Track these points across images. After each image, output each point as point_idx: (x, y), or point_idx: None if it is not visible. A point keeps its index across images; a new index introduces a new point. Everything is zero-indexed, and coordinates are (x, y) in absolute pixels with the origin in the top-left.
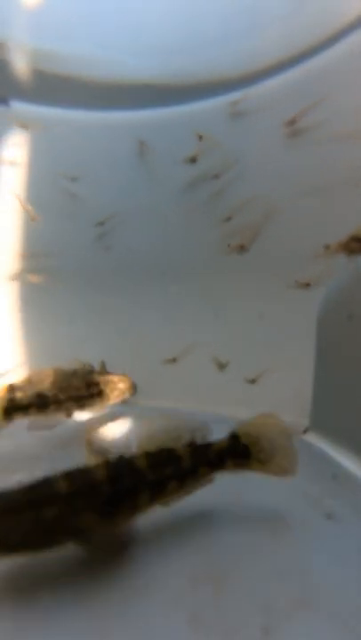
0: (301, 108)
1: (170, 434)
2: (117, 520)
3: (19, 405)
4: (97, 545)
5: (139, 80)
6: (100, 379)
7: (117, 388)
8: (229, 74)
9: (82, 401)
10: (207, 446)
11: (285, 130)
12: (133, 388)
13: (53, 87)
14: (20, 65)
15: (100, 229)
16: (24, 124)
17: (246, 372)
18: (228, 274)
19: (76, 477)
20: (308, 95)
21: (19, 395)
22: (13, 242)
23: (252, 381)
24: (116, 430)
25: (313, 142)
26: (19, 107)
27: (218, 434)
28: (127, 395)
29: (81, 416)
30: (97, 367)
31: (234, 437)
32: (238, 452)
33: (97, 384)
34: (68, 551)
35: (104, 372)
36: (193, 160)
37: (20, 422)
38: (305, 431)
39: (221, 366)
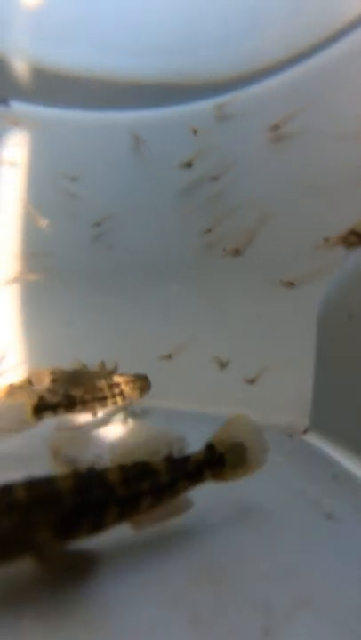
0: (299, 108)
1: (146, 447)
2: (78, 536)
3: (48, 405)
4: (54, 563)
5: (137, 80)
6: (121, 379)
7: (137, 387)
8: (229, 74)
9: (105, 401)
10: (185, 459)
11: (277, 132)
12: (149, 387)
13: (53, 87)
14: (20, 65)
15: (100, 229)
16: (24, 124)
17: (246, 372)
18: (228, 274)
19: (38, 486)
20: (307, 95)
21: (48, 395)
22: (13, 242)
23: (252, 381)
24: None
25: (310, 143)
26: (19, 107)
27: None
28: (146, 393)
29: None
30: (97, 367)
31: (210, 447)
32: (215, 461)
33: (118, 384)
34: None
35: (110, 372)
36: (189, 164)
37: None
38: (305, 431)
39: (222, 365)
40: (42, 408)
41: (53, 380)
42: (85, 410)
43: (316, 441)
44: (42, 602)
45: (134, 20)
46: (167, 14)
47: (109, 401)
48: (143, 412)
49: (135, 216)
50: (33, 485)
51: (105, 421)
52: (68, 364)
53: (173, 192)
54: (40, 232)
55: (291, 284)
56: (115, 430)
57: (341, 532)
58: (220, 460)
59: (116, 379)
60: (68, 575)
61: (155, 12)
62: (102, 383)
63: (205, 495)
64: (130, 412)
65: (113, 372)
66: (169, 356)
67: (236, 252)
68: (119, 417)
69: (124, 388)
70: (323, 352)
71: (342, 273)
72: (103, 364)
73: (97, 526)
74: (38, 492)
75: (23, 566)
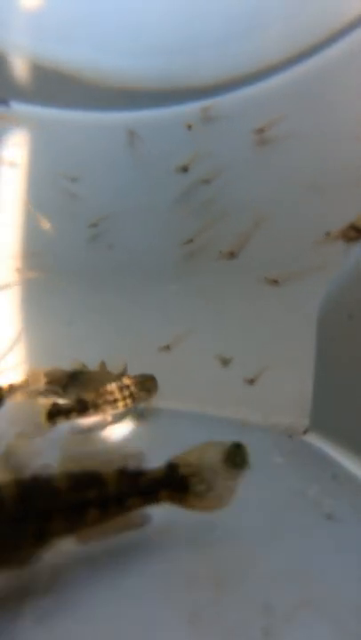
0: (299, 108)
1: (99, 456)
2: (23, 546)
3: (61, 410)
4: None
5: (137, 81)
6: (129, 381)
7: (145, 388)
8: (229, 74)
9: (116, 403)
10: (139, 474)
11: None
12: (157, 387)
13: (53, 87)
14: (20, 65)
15: (100, 229)
16: (24, 124)
17: (246, 372)
18: (228, 273)
19: None
20: (306, 95)
21: (62, 400)
22: (13, 242)
23: (251, 382)
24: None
25: (310, 143)
26: (19, 107)
27: (219, 435)
28: (154, 393)
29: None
30: (98, 367)
31: (171, 467)
32: (175, 483)
33: (128, 386)
34: (69, 548)
35: (120, 374)
36: (185, 169)
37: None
38: (305, 431)
39: (225, 362)
40: (55, 413)
41: (49, 382)
42: (97, 413)
43: (316, 441)
44: (42, 602)
45: (134, 20)
46: (167, 15)
47: (120, 403)
48: (144, 412)
49: (134, 216)
50: None
51: (116, 423)
52: (68, 364)
53: (172, 192)
54: (40, 232)
55: (276, 283)
56: (126, 431)
57: (342, 533)
58: (181, 482)
59: (125, 381)
60: (69, 575)
61: (155, 12)
62: (113, 386)
63: None
64: (132, 413)
65: (122, 374)
66: (167, 348)
67: (231, 255)
68: (129, 418)
69: (134, 389)
70: (323, 352)
71: (342, 273)
72: (103, 364)
73: (42, 536)
74: None
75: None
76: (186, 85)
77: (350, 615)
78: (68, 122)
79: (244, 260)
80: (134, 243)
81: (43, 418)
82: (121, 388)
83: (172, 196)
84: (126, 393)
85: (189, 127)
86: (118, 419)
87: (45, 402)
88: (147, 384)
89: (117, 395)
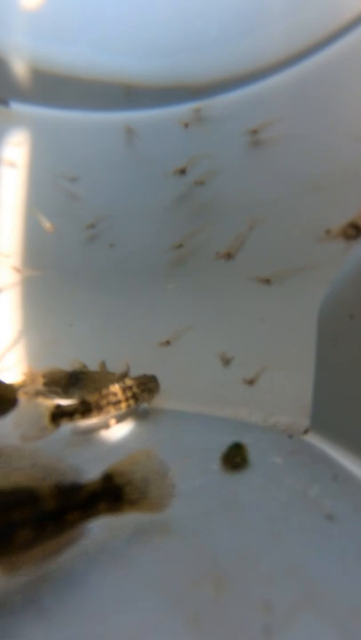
0: (299, 107)
1: (32, 472)
2: None
3: (65, 412)
4: None
5: (137, 81)
6: (133, 382)
7: (147, 389)
8: (230, 74)
9: (119, 404)
10: (77, 488)
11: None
12: (159, 388)
13: (53, 88)
14: (20, 66)
15: (100, 229)
16: (24, 124)
17: (246, 372)
18: (228, 274)
19: None
20: (307, 95)
21: (65, 402)
22: (13, 242)
23: (252, 382)
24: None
25: (310, 142)
26: (19, 107)
27: (219, 435)
28: (156, 394)
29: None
30: (98, 367)
31: (107, 478)
32: (111, 493)
33: (130, 387)
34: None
35: (123, 375)
36: (182, 171)
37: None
38: (305, 431)
39: (226, 362)
40: (59, 415)
41: (47, 382)
42: (100, 414)
43: (316, 441)
44: (42, 601)
45: (134, 20)
46: (167, 15)
47: (123, 404)
48: (144, 413)
49: (134, 216)
50: None
51: (116, 424)
52: (67, 364)
53: (169, 193)
54: (40, 232)
55: (276, 283)
56: (126, 432)
57: (342, 533)
58: (116, 492)
59: (128, 382)
60: (68, 575)
61: (155, 12)
62: (116, 387)
63: (205, 495)
64: (133, 413)
65: (125, 375)
66: (167, 342)
67: (229, 256)
68: (130, 419)
69: (136, 390)
70: (323, 352)
71: (342, 273)
72: (103, 364)
73: None
74: None
75: (23, 566)
76: (186, 85)
77: (350, 615)
78: (68, 121)
79: (245, 261)
80: (134, 243)
81: (47, 419)
82: (124, 390)
83: (170, 197)
84: (129, 394)
85: (186, 125)
86: (119, 420)
87: (49, 403)
88: (149, 385)
89: (120, 396)
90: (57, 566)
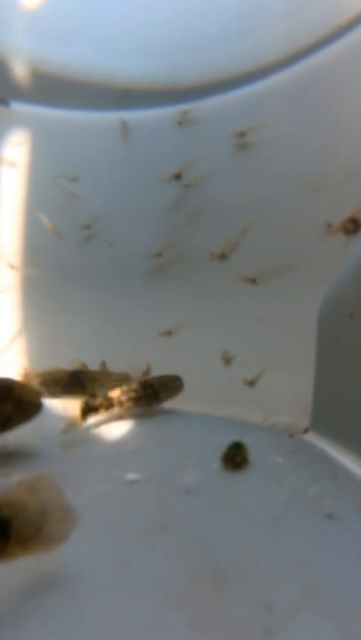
0: (299, 107)
1: None
2: None
3: (93, 407)
4: None
5: (137, 81)
6: (155, 380)
7: (168, 388)
8: (229, 74)
9: (141, 401)
10: None
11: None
12: (182, 386)
13: (53, 88)
14: (20, 66)
15: (99, 229)
16: (24, 124)
17: (247, 373)
18: (228, 273)
19: None
20: (307, 95)
21: (93, 398)
22: (13, 242)
23: (252, 382)
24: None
25: (309, 143)
26: (19, 107)
27: (219, 435)
28: (180, 392)
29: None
30: (99, 367)
31: None
32: None
33: (151, 385)
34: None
35: (144, 373)
36: (178, 176)
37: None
38: (305, 431)
39: (227, 362)
40: (88, 410)
41: (43, 382)
42: (122, 410)
43: (316, 441)
44: (42, 601)
45: (134, 20)
46: (167, 15)
47: (144, 401)
48: (144, 413)
49: (134, 216)
50: None
51: (116, 422)
52: (68, 364)
53: (165, 195)
54: (40, 232)
55: (253, 280)
56: (126, 432)
57: (342, 533)
58: (2, 527)
59: (151, 380)
60: (68, 575)
61: (155, 12)
62: (137, 385)
63: (205, 495)
64: (135, 413)
65: (147, 372)
66: (168, 333)
67: (223, 257)
68: (128, 419)
69: (158, 389)
70: (323, 352)
71: (342, 273)
72: (103, 364)
73: None
74: None
75: (24, 566)
76: (185, 85)
77: (350, 615)
78: (68, 121)
79: (244, 261)
80: (134, 242)
81: (78, 414)
82: (145, 388)
83: (170, 197)
84: (150, 392)
85: (180, 123)
86: (119, 418)
87: (80, 400)
88: (171, 383)
89: (141, 393)
90: (57, 566)
